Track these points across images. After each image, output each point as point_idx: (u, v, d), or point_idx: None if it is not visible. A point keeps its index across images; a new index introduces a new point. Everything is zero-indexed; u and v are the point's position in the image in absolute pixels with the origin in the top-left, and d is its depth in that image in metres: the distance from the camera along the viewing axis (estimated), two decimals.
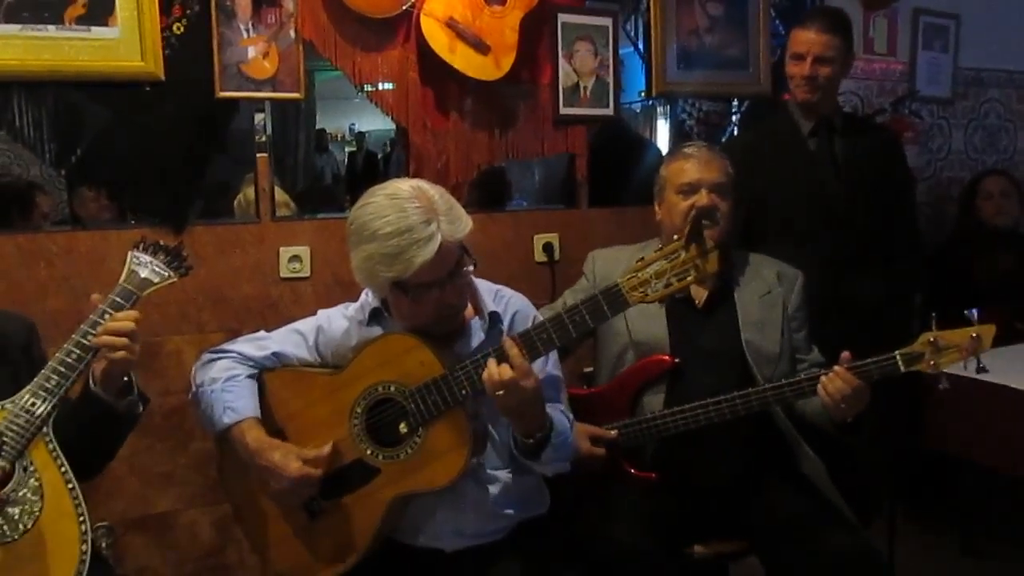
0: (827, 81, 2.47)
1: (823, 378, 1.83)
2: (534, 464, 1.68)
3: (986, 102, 3.84)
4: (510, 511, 1.73)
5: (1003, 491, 2.82)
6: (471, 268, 1.64)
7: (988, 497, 2.97)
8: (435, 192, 1.60)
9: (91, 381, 1.52)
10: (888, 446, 2.61)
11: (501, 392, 1.52)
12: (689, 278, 1.45)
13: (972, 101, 3.79)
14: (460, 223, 1.58)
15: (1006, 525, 2.95)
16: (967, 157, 3.80)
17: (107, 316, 1.52)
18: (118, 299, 1.54)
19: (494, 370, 1.53)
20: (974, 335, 1.75)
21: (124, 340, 1.48)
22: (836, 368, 1.82)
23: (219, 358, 1.76)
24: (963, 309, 1.83)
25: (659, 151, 3.02)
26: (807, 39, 2.46)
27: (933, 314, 1.81)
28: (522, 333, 1.58)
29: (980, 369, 1.81)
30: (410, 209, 1.54)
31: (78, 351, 1.49)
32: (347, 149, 2.74)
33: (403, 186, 1.61)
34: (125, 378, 1.55)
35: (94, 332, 1.50)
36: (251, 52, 2.35)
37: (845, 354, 1.84)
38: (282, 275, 2.46)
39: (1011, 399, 2.31)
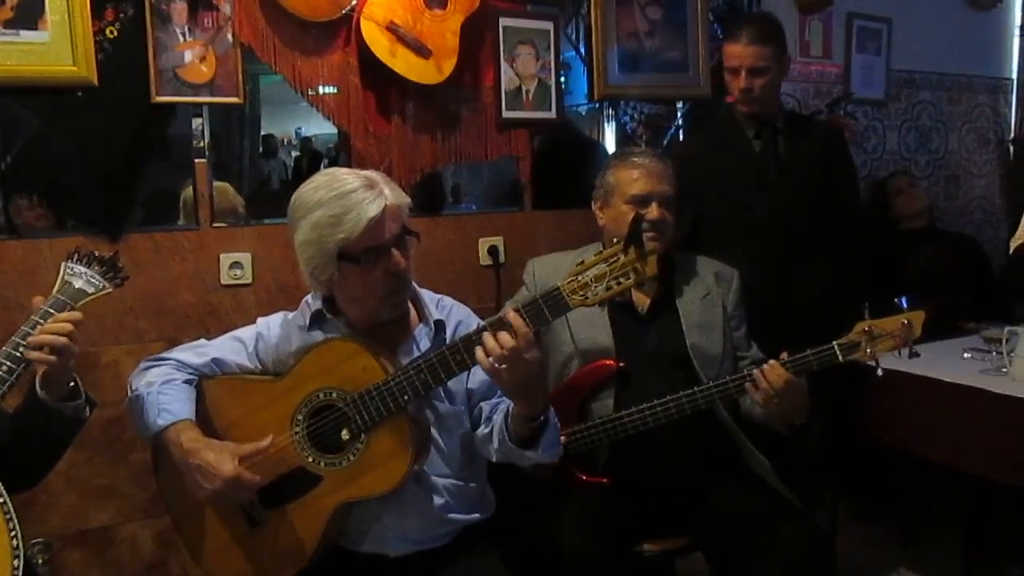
0: (763, 90, 2.51)
1: (755, 373, 1.88)
2: (528, 453, 1.63)
3: (918, 103, 3.95)
4: (455, 516, 1.72)
5: (939, 482, 2.90)
6: (415, 240, 1.67)
7: (925, 488, 3.05)
8: (370, 171, 1.68)
9: (37, 386, 1.50)
10: (829, 439, 2.66)
11: (504, 366, 1.48)
12: (629, 281, 1.46)
13: (905, 103, 3.90)
14: (399, 192, 1.65)
15: (942, 514, 3.04)
16: (901, 157, 3.90)
17: (39, 328, 1.48)
18: (51, 310, 1.52)
19: (492, 343, 1.48)
20: (905, 321, 1.84)
21: (63, 342, 1.46)
22: (769, 364, 1.87)
23: (156, 365, 1.74)
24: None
25: (609, 153, 3.04)
26: (738, 53, 2.49)
27: (866, 304, 1.87)
28: (466, 335, 1.57)
29: (912, 354, 1.88)
30: (349, 178, 1.62)
31: (8, 363, 1.46)
32: (293, 153, 2.72)
33: (340, 168, 1.73)
34: (71, 383, 1.53)
35: (25, 344, 1.47)
36: (188, 56, 2.32)
37: (783, 354, 1.88)
38: (223, 282, 2.43)
39: (943, 392, 2.39)
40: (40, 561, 2.18)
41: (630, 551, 2.01)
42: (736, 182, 2.56)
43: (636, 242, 1.44)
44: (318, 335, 1.72)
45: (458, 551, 1.72)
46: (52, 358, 1.46)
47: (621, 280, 1.46)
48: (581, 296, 1.48)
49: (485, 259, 2.79)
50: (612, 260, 1.46)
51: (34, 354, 1.46)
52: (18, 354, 1.47)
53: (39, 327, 1.48)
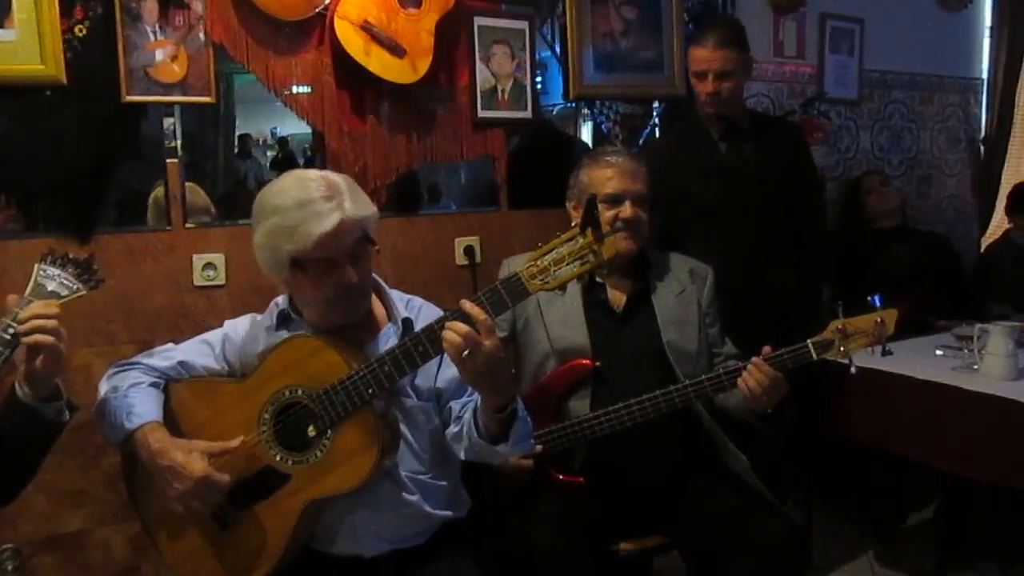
0: (730, 92, 2.54)
1: (744, 372, 1.89)
2: (500, 448, 1.60)
3: (890, 103, 4.00)
4: (428, 510, 1.71)
5: (912, 477, 2.93)
6: (373, 249, 1.65)
7: (898, 484, 3.08)
8: (339, 177, 1.64)
9: (17, 386, 1.48)
10: (804, 435, 2.68)
11: (466, 353, 1.45)
12: (587, 264, 1.44)
13: (877, 102, 3.94)
14: (363, 204, 1.61)
15: (915, 510, 3.07)
16: (874, 156, 3.94)
17: (11, 330, 1.46)
18: (22, 313, 1.49)
19: (451, 335, 1.45)
20: (878, 320, 1.85)
21: (53, 324, 1.43)
22: (755, 360, 1.88)
23: (123, 370, 1.73)
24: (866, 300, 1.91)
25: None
26: (704, 57, 2.52)
27: (839, 302, 1.88)
28: (428, 326, 1.54)
29: (885, 352, 1.90)
30: (312, 186, 1.58)
31: None
32: (269, 153, 2.70)
33: (310, 170, 1.67)
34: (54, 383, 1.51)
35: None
36: (159, 55, 2.29)
37: (766, 348, 1.89)
38: (196, 283, 2.40)
39: (916, 389, 2.41)
40: (10, 568, 2.16)
41: (607, 551, 2.01)
42: (703, 183, 2.59)
43: (593, 224, 1.43)
44: (284, 335, 1.70)
45: (434, 551, 1.71)
46: (48, 339, 1.42)
47: (580, 263, 1.43)
48: (541, 280, 1.45)
49: (461, 259, 2.79)
50: (570, 243, 1.44)
51: (29, 338, 1.42)
52: None
53: (11, 330, 1.45)
